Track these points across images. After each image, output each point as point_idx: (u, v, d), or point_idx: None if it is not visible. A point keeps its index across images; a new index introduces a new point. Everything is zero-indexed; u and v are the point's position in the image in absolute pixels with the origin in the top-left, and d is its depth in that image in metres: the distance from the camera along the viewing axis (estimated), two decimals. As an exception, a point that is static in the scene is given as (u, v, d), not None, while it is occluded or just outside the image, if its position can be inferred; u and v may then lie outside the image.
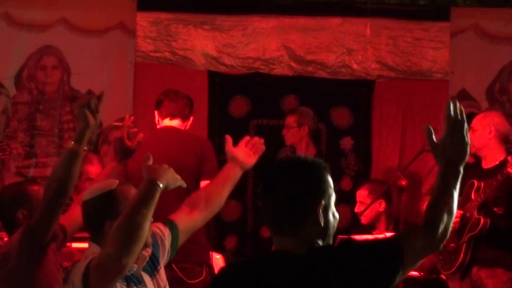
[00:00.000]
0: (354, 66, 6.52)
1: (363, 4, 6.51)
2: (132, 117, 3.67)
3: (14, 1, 6.41)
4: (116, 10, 6.49)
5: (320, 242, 2.28)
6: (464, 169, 4.37)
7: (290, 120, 6.03)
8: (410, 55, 6.53)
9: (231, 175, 3.35)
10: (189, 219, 3.20)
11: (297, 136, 5.99)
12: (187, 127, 5.14)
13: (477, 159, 5.15)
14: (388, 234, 4.87)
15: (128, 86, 6.42)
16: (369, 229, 5.63)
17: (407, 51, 6.53)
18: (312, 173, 2.29)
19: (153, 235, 3.02)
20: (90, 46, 6.43)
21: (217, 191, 3.30)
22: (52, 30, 6.43)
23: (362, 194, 5.70)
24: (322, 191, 2.30)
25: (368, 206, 5.50)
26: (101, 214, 2.92)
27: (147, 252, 2.91)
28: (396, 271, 2.26)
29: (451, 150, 2.35)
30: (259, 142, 3.42)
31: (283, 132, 6.07)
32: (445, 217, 2.33)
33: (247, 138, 3.44)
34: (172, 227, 3.12)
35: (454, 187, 2.36)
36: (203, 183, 4.88)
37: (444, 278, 5.24)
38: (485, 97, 6.55)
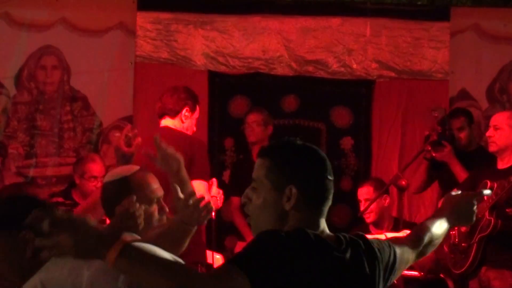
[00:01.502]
0: (354, 66, 6.53)
1: (363, 4, 6.52)
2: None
3: (14, 1, 6.41)
4: (116, 10, 6.49)
5: None
6: (478, 169, 4.67)
7: (257, 117, 6.02)
8: (410, 55, 6.53)
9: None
10: None
11: (261, 135, 6.01)
12: (184, 121, 5.05)
13: (493, 159, 5.14)
14: (389, 234, 4.86)
15: (128, 86, 6.42)
16: (368, 228, 5.61)
17: (407, 51, 6.53)
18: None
19: None
20: (90, 46, 6.43)
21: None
22: (52, 30, 6.43)
23: (367, 191, 5.61)
24: None
25: (372, 201, 5.45)
26: (114, 198, 2.94)
27: None
28: (391, 278, 2.36)
29: (468, 211, 2.64)
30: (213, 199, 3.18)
31: (245, 128, 6.08)
32: (432, 242, 2.54)
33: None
34: None
35: (445, 228, 2.59)
36: (193, 183, 4.86)
37: (444, 277, 5.24)
38: (485, 97, 6.55)
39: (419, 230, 2.53)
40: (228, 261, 2.20)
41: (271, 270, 2.12)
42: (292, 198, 2.23)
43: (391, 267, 2.34)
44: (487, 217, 4.90)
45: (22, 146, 6.41)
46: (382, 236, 4.79)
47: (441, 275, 5.24)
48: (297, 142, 2.35)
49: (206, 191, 4.83)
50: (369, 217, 5.57)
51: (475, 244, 4.96)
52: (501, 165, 5.05)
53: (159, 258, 2.14)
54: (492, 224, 4.88)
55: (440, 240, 2.54)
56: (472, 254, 4.96)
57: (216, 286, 2.10)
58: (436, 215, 2.61)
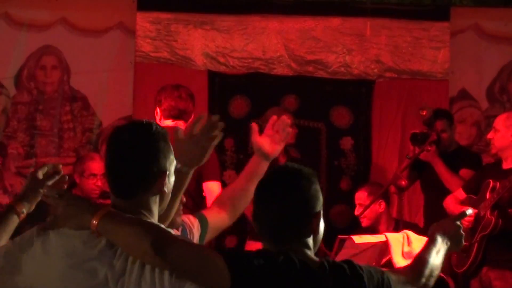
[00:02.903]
0: (354, 66, 6.52)
1: (363, 4, 6.51)
2: None
3: (14, 1, 6.41)
4: (116, 10, 6.49)
5: (314, 250, 2.36)
6: (483, 169, 4.67)
7: (290, 119, 6.01)
8: (410, 55, 6.53)
9: (256, 169, 3.08)
10: (218, 218, 3.15)
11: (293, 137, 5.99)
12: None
13: (498, 159, 5.16)
14: (389, 235, 4.87)
15: (128, 86, 6.42)
16: (368, 230, 5.62)
17: (407, 51, 6.53)
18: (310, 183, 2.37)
19: (183, 223, 3.02)
20: (90, 46, 6.43)
21: (242, 188, 3.11)
22: (52, 30, 6.43)
23: (361, 196, 5.68)
24: (318, 200, 2.36)
25: (367, 207, 5.49)
26: None
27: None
28: None
29: (453, 234, 2.62)
30: (283, 123, 3.11)
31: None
32: (430, 273, 2.52)
33: (274, 118, 3.14)
34: (202, 220, 3.10)
35: (443, 254, 2.58)
36: (206, 185, 4.86)
37: (445, 277, 5.24)
38: (485, 97, 6.55)
39: (419, 264, 2.52)
40: (215, 249, 2.25)
41: (256, 280, 2.17)
42: None
43: None
44: (488, 216, 4.92)
45: (22, 146, 6.41)
46: (382, 237, 4.81)
47: (441, 275, 5.24)
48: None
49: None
50: (364, 222, 5.62)
51: (476, 243, 4.97)
52: (505, 165, 5.07)
53: (143, 220, 2.21)
54: (492, 223, 4.90)
55: (439, 269, 2.54)
56: (473, 253, 4.98)
57: (196, 265, 2.14)
58: (430, 245, 2.59)
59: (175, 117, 4.96)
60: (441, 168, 5.50)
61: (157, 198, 2.30)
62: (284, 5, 6.54)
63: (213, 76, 6.50)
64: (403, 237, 4.81)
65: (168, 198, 2.37)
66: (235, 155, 6.44)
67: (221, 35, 6.50)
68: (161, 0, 6.53)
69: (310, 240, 2.32)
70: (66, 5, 6.43)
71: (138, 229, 2.14)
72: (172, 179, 2.35)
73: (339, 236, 4.88)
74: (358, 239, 4.74)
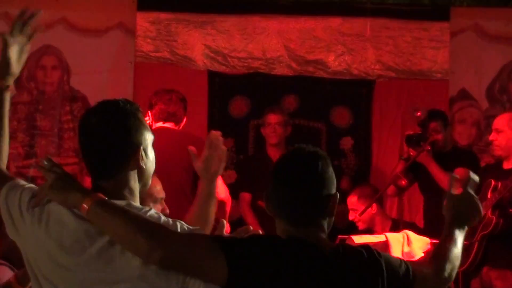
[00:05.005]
0: (354, 66, 6.53)
1: (363, 4, 6.52)
2: None
3: (14, 1, 6.41)
4: (116, 10, 6.49)
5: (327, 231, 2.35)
6: (483, 169, 4.48)
7: (280, 118, 6.01)
8: (410, 55, 6.53)
9: (207, 192, 2.85)
10: None
11: (282, 136, 5.99)
12: (181, 127, 5.16)
13: (498, 159, 5.16)
14: (388, 234, 4.87)
15: (128, 86, 6.42)
16: (365, 232, 5.63)
17: (407, 51, 6.53)
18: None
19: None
20: (90, 46, 6.43)
21: (198, 215, 2.87)
22: (52, 30, 6.42)
23: (352, 201, 5.73)
24: (334, 182, 2.37)
25: (361, 213, 5.54)
26: None
27: None
28: None
29: (464, 207, 2.52)
30: (215, 139, 2.77)
31: (265, 128, 6.04)
32: (452, 265, 2.44)
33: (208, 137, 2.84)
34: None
35: (461, 241, 2.48)
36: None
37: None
38: (485, 96, 6.55)
39: (439, 259, 2.44)
40: (212, 237, 2.19)
41: (254, 268, 2.14)
42: None
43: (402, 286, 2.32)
44: (489, 215, 4.92)
45: (22, 146, 6.41)
46: (382, 237, 4.82)
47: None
48: None
49: (222, 183, 4.94)
50: (360, 226, 5.68)
51: (476, 242, 4.98)
52: (507, 165, 5.07)
53: (136, 214, 2.15)
54: (493, 222, 4.90)
55: (460, 259, 2.47)
56: (474, 252, 4.98)
57: (191, 258, 2.09)
58: (448, 238, 2.49)
59: (164, 119, 5.08)
60: (434, 169, 5.49)
61: (136, 175, 2.29)
62: (284, 5, 6.54)
63: (213, 76, 6.50)
64: (403, 237, 4.82)
65: (148, 175, 2.34)
66: (235, 155, 6.45)
67: (221, 35, 6.50)
68: (161, 0, 6.54)
69: (325, 222, 2.31)
70: (66, 5, 6.43)
71: (133, 224, 2.08)
72: (150, 154, 2.33)
73: (339, 236, 4.88)
74: (358, 239, 4.74)
